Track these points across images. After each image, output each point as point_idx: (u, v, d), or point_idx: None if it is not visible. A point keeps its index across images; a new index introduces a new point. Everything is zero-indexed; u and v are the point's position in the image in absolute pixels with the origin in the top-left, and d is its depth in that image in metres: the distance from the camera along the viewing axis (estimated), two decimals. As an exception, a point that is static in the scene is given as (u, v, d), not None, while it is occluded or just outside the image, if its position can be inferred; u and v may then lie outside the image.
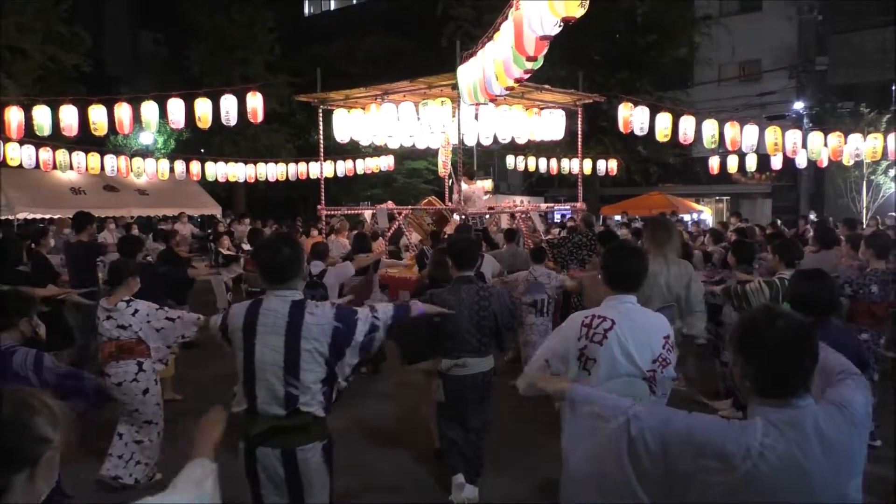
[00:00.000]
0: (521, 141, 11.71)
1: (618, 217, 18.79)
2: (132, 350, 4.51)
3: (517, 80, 5.97)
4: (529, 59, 5.15)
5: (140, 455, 4.61)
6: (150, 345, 4.56)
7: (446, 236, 9.63)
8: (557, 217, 18.27)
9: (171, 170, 16.85)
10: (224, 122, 10.92)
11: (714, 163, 16.78)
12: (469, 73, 7.30)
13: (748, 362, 1.75)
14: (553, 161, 17.42)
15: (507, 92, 6.77)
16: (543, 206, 17.64)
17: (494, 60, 6.18)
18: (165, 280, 6.72)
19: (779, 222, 14.20)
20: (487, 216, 11.44)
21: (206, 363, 7.24)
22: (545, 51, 5.09)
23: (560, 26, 4.48)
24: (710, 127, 11.58)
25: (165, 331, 4.57)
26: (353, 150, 16.76)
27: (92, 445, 4.79)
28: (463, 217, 9.97)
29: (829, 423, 1.72)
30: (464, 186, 10.57)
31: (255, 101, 11.05)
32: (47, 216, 15.67)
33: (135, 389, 4.50)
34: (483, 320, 4.14)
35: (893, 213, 16.29)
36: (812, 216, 16.13)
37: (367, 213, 12.53)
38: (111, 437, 4.62)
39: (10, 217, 15.53)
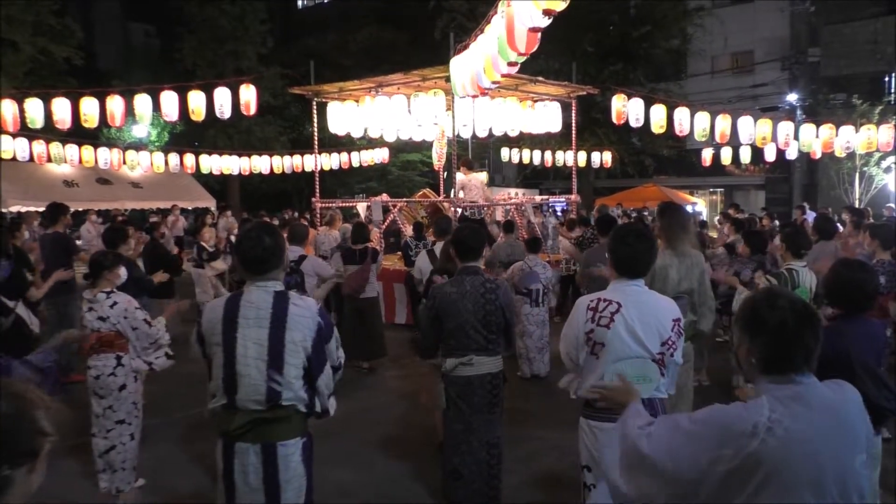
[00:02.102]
0: (515, 133, 11.73)
1: (614, 209, 18.83)
2: (111, 343, 4.36)
3: (503, 75, 6.00)
4: (521, 54, 5.16)
5: (116, 462, 4.40)
6: (130, 340, 4.40)
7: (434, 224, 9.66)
8: (559, 210, 18.24)
9: (165, 163, 16.76)
10: (218, 114, 10.88)
11: (707, 155, 16.81)
12: (462, 65, 7.31)
13: (752, 341, 1.81)
14: (548, 153, 17.44)
15: (496, 85, 6.79)
16: (538, 198, 17.64)
17: (483, 54, 6.20)
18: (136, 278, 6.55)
19: (766, 214, 14.27)
20: (485, 208, 11.46)
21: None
22: (535, 47, 5.10)
23: (548, 18, 4.50)
24: (703, 119, 11.62)
25: (139, 332, 4.38)
26: (347, 143, 16.76)
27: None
28: (461, 208, 9.99)
29: (831, 397, 1.77)
30: (460, 176, 10.60)
31: (248, 94, 11.02)
32: (41, 209, 15.61)
33: (111, 384, 4.34)
34: (490, 315, 3.78)
35: (892, 204, 16.32)
36: (806, 206, 16.16)
37: (362, 206, 12.53)
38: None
39: (3, 210, 15.47)
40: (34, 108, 10.50)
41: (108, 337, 4.36)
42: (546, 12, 4.43)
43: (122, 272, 4.59)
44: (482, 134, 11.48)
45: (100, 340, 4.37)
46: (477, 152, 23.12)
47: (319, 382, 2.76)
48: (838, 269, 3.28)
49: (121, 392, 4.37)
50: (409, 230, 10.89)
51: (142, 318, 4.39)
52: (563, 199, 14.20)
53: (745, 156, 15.19)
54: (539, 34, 4.96)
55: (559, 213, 17.73)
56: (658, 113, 11.38)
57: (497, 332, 3.84)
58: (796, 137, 12.89)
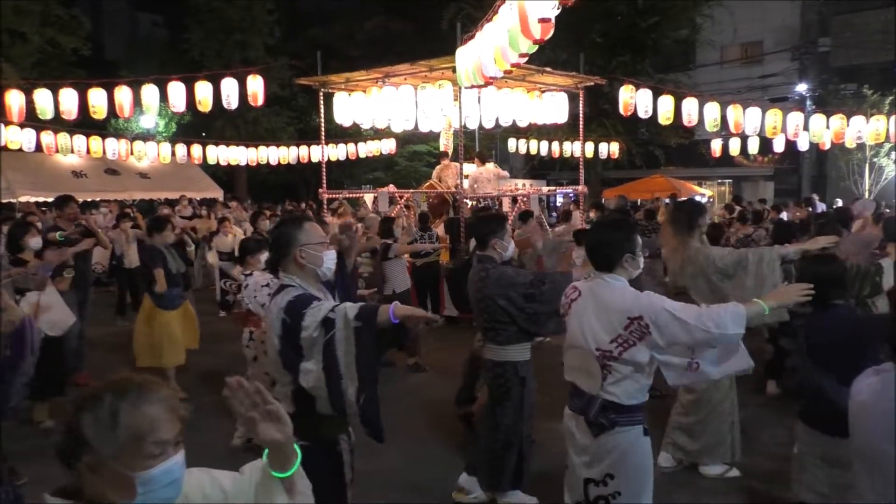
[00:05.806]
0: (522, 124, 11.68)
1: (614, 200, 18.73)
2: (244, 320, 5.01)
3: (513, 65, 5.98)
4: (536, 42, 5.14)
5: None
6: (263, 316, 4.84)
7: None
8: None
9: (172, 153, 16.80)
10: (225, 105, 10.88)
11: (716, 145, 16.71)
12: (467, 55, 7.27)
13: None
14: (555, 144, 17.38)
15: (503, 75, 6.75)
16: (545, 189, 17.59)
17: (492, 45, 6.16)
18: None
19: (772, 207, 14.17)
20: (496, 200, 11.43)
21: (205, 354, 7.13)
22: (550, 33, 5.07)
23: (558, 8, 4.49)
24: (712, 110, 11.54)
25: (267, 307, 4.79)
26: (354, 134, 16.74)
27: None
28: (472, 200, 10.02)
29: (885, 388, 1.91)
30: (473, 168, 10.59)
31: (255, 85, 11.00)
32: (50, 199, 15.69)
33: (247, 355, 5.02)
34: (481, 303, 3.86)
35: None
36: (815, 198, 16.04)
37: (369, 197, 12.52)
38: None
39: (12, 200, 15.55)
40: (43, 99, 10.51)
41: (242, 314, 5.03)
42: (563, 2, 4.43)
43: (263, 257, 5.14)
44: (489, 125, 11.44)
45: (237, 316, 5.13)
46: (484, 143, 23.03)
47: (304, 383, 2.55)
48: (806, 264, 3.33)
49: (255, 362, 5.02)
50: (414, 221, 10.90)
51: (267, 294, 4.74)
52: (571, 190, 14.16)
53: (754, 147, 15.09)
54: (552, 21, 4.93)
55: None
56: (666, 104, 11.30)
57: (493, 323, 3.85)
58: (806, 128, 12.79)
